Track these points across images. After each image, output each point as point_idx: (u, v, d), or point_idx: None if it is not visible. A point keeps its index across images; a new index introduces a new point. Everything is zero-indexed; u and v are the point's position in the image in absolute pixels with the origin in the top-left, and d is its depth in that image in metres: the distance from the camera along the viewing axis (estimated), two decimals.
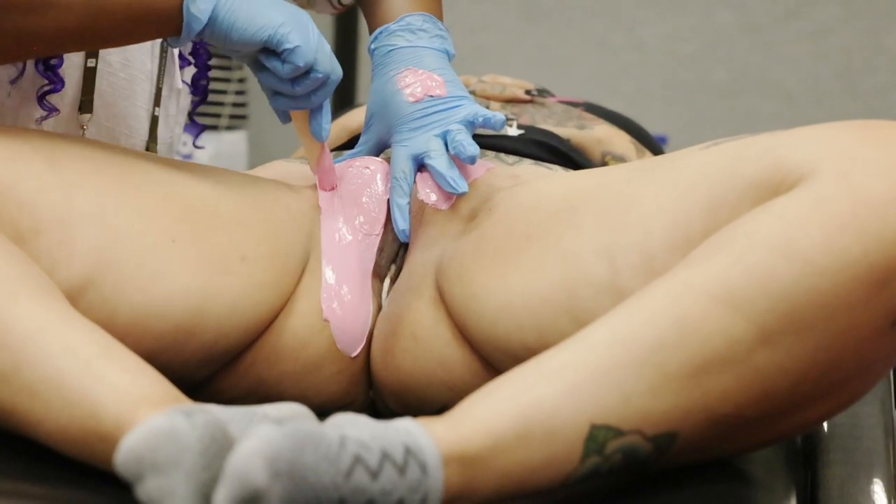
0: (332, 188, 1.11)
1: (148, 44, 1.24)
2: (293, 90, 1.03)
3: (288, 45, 0.99)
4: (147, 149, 1.26)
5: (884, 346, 0.79)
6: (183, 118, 1.33)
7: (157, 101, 1.26)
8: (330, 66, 1.02)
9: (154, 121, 1.26)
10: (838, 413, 0.85)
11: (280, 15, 1.00)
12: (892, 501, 0.92)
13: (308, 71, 1.01)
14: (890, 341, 0.79)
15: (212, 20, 0.99)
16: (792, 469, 0.94)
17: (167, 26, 1.00)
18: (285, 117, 1.09)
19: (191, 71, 1.30)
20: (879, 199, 0.76)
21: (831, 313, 0.76)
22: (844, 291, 0.76)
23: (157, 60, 1.25)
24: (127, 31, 1.01)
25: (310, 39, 1.00)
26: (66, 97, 1.19)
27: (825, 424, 0.98)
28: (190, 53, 1.28)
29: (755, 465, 0.90)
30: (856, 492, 0.92)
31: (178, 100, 1.29)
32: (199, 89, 1.29)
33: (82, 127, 1.20)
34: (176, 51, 1.28)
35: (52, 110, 1.16)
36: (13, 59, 1.03)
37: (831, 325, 0.76)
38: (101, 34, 1.00)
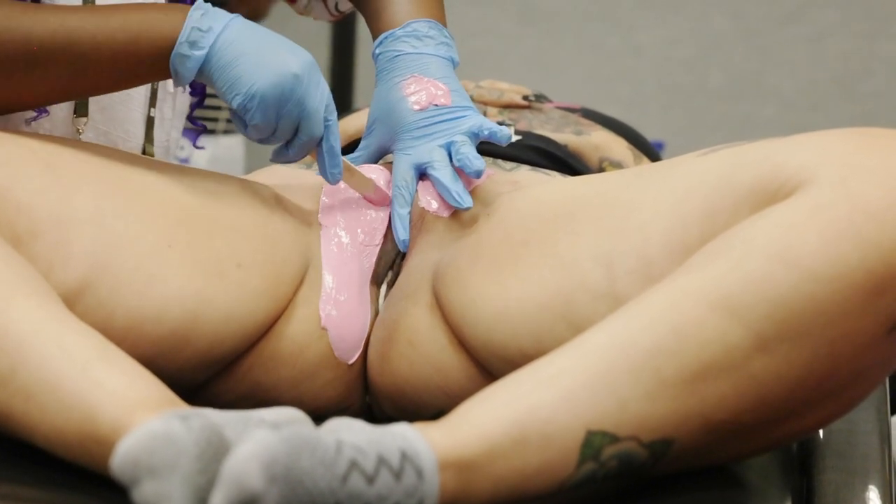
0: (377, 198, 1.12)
1: None
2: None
3: (249, 121, 1.01)
4: (143, 151, 1.25)
5: (880, 353, 0.79)
6: (180, 122, 1.32)
7: (152, 103, 1.26)
8: (288, 134, 1.03)
9: (150, 122, 1.26)
10: (835, 420, 0.85)
11: (257, 83, 0.99)
12: None
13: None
14: (887, 348, 0.79)
15: (199, 73, 1.01)
16: (787, 475, 0.94)
17: (157, 76, 1.04)
18: None
19: None
20: (877, 206, 0.76)
21: (828, 320, 0.76)
22: (842, 298, 0.76)
23: None
24: (118, 81, 1.04)
25: (272, 117, 1.00)
26: None
27: (821, 431, 0.98)
28: None
29: (750, 471, 0.90)
30: (851, 498, 0.92)
31: (175, 102, 1.29)
32: (197, 89, 1.28)
33: (78, 130, 1.20)
34: None
35: (42, 111, 1.16)
36: (8, 111, 1.06)
37: (828, 332, 0.76)
38: (91, 87, 1.04)
